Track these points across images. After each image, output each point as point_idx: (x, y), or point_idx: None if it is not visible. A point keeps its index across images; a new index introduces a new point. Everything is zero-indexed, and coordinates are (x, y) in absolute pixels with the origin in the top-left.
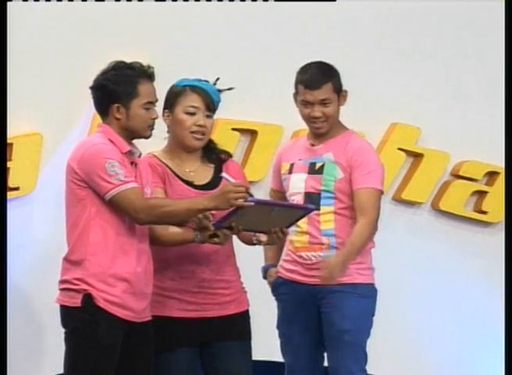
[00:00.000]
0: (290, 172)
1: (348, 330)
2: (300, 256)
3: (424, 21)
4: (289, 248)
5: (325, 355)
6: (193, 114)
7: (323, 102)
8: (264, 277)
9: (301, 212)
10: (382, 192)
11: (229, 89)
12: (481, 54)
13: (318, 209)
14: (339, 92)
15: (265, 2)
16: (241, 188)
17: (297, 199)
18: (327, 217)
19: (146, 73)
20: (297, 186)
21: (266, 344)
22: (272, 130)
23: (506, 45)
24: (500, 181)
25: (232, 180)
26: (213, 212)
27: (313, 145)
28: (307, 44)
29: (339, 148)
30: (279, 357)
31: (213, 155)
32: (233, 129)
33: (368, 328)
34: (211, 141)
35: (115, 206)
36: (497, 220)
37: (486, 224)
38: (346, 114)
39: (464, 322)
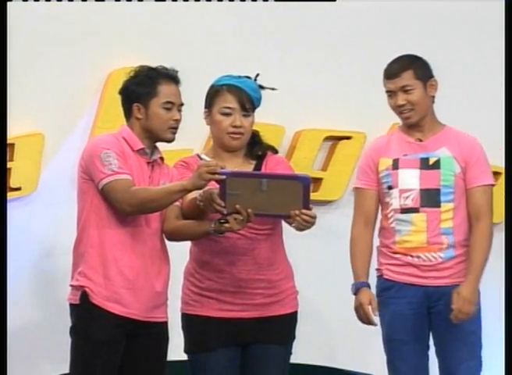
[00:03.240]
0: (396, 168)
1: (474, 332)
2: (419, 257)
3: (425, 21)
4: (397, 250)
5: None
6: (228, 115)
7: (404, 89)
8: (355, 294)
9: (297, 183)
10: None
11: (272, 89)
12: (481, 54)
13: (310, 180)
14: (426, 80)
15: (265, 2)
16: (212, 163)
17: (411, 196)
18: (448, 215)
19: (167, 75)
20: (409, 182)
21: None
22: (273, 130)
23: (506, 45)
24: (501, 182)
25: (208, 159)
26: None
27: (421, 140)
28: (307, 44)
29: (451, 142)
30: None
31: (258, 150)
32: None
33: (481, 326)
34: (255, 137)
35: (106, 196)
36: (498, 220)
37: None
38: (348, 114)
39: None
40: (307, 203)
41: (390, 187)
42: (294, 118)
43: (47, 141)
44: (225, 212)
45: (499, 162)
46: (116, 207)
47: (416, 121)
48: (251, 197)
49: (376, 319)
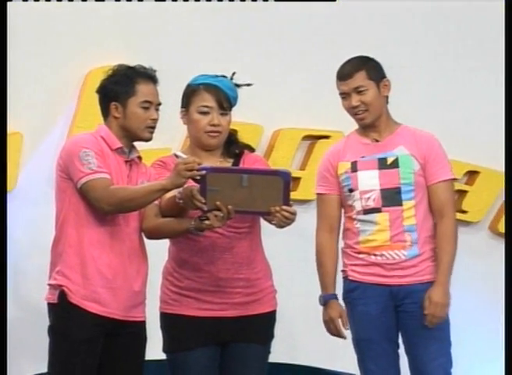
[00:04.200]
0: (355, 170)
1: (442, 328)
2: (382, 255)
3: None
4: (360, 250)
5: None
6: (206, 113)
7: (358, 90)
8: (323, 305)
9: (278, 179)
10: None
11: (248, 85)
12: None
13: (290, 176)
14: (378, 81)
15: (265, 2)
16: (189, 159)
17: (372, 197)
18: (410, 212)
19: (146, 74)
20: (369, 183)
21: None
22: (251, 129)
23: (507, 45)
24: (480, 181)
25: (185, 156)
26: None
27: (377, 141)
28: (286, 44)
29: (408, 140)
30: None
31: (235, 149)
32: None
33: (449, 323)
34: (232, 136)
35: (85, 195)
36: (477, 220)
37: (466, 223)
38: (327, 113)
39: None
40: (287, 199)
41: (351, 190)
42: (272, 117)
43: (25, 140)
44: (205, 209)
45: (478, 161)
46: (95, 206)
47: (371, 121)
48: (232, 193)
49: (346, 332)
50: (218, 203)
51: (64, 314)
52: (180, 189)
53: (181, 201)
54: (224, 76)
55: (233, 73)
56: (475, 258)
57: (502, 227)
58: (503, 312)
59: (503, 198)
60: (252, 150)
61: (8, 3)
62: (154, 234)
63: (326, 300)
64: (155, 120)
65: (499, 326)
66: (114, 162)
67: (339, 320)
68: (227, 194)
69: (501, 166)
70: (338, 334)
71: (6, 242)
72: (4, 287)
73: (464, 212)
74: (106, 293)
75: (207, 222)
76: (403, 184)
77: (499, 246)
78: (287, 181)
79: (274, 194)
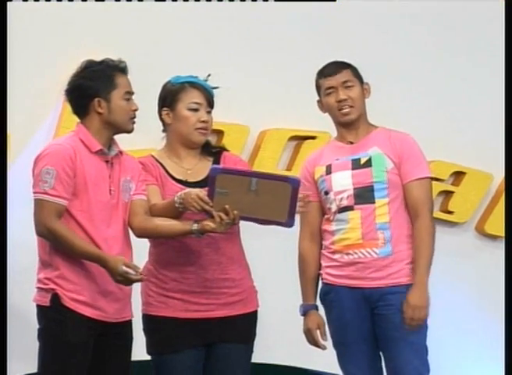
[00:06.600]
0: (329, 172)
1: (416, 331)
2: (355, 253)
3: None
4: (335, 250)
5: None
6: (196, 110)
7: (346, 85)
8: (303, 315)
9: (287, 185)
10: (431, 177)
11: (215, 88)
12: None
13: (299, 183)
14: (361, 81)
15: (265, 2)
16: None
17: (345, 196)
18: (382, 210)
19: (118, 67)
20: (343, 183)
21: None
22: (238, 130)
23: (506, 46)
24: (466, 181)
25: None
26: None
27: (352, 143)
28: (272, 44)
29: (382, 140)
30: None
31: (212, 148)
32: None
33: (427, 326)
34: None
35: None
36: (463, 220)
37: (452, 224)
38: (313, 114)
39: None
40: (293, 209)
41: (327, 193)
42: (259, 118)
43: (12, 141)
44: (214, 213)
45: (464, 162)
46: (34, 223)
47: (355, 118)
48: (239, 197)
49: (325, 343)
50: (226, 207)
51: (57, 317)
52: (180, 193)
53: (181, 206)
54: (196, 77)
55: (208, 75)
56: (462, 258)
57: (488, 228)
58: (489, 313)
59: (490, 199)
60: (226, 150)
61: (8, 3)
62: (150, 234)
63: (305, 310)
64: (136, 111)
65: (486, 325)
66: (95, 164)
67: (318, 331)
68: (235, 197)
69: (488, 167)
70: (316, 345)
71: (6, 242)
72: (4, 287)
73: (450, 212)
74: (98, 297)
75: (211, 224)
76: (375, 182)
77: (486, 247)
78: (295, 189)
79: (280, 201)
